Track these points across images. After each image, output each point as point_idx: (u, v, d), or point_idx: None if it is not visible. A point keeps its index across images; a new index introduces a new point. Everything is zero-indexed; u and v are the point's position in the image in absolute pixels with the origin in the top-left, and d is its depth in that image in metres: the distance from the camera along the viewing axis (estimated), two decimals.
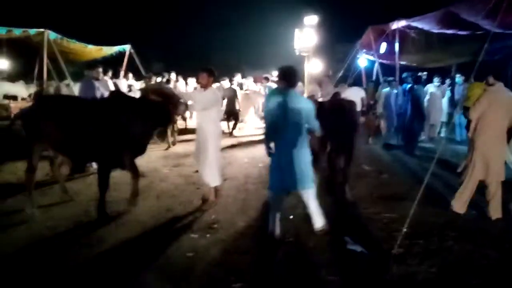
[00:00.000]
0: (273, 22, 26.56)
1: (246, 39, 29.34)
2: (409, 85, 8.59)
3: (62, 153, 4.79)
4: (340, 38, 22.87)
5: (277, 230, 4.01)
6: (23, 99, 14.13)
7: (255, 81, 15.35)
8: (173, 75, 12.69)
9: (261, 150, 7.43)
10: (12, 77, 17.04)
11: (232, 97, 11.29)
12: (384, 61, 12.23)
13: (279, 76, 4.04)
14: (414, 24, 9.41)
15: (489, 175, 4.50)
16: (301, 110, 3.80)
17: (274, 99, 3.91)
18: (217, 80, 12.56)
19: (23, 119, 4.58)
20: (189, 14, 33.28)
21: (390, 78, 9.70)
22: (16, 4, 23.76)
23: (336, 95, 6.69)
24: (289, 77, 3.92)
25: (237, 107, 11.40)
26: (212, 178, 4.93)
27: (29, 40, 11.07)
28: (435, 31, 8.92)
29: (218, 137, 5.03)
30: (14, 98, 14.56)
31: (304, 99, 4.37)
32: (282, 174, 3.91)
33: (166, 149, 8.82)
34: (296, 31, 12.01)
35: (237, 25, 31.65)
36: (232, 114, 11.35)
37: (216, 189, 5.12)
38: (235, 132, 11.30)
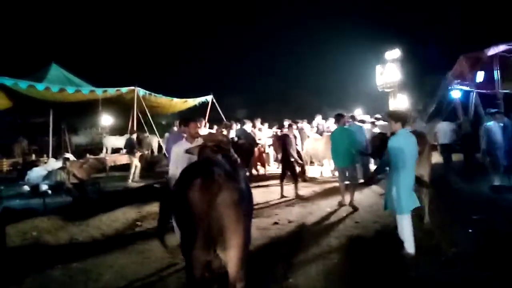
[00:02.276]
0: (353, 61, 26.09)
1: (326, 80, 29.22)
2: None
3: None
4: (428, 69, 21.41)
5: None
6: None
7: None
8: (258, 122, 12.76)
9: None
10: (117, 131, 18.84)
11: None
12: (483, 91, 10.85)
13: (395, 118, 4.78)
14: None
15: None
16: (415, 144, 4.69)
17: (400, 138, 4.64)
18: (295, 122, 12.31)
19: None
20: (269, 59, 34.37)
21: (493, 110, 8.45)
22: (107, 65, 26.79)
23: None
24: (404, 118, 4.83)
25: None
26: None
27: (122, 98, 12.03)
28: None
29: None
30: (118, 151, 15.89)
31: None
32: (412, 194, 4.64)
33: None
34: (378, 67, 11.34)
35: (317, 66, 31.78)
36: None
37: None
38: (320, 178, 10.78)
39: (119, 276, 4.39)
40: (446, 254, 4.59)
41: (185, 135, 6.20)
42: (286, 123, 12.91)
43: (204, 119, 13.36)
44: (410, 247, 4.54)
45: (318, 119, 14.26)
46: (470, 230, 5.50)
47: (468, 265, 4.23)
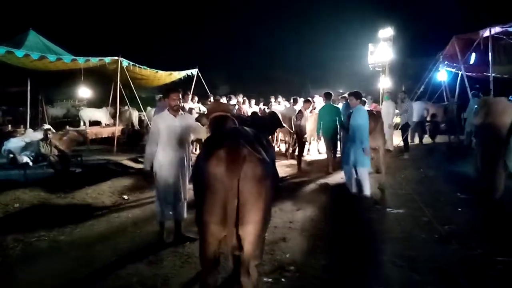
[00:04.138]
0: (342, 39, 25.87)
1: (312, 57, 28.95)
2: None
3: None
4: (414, 52, 21.52)
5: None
6: (107, 124, 14.71)
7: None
8: (240, 97, 12.51)
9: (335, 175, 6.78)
10: (95, 104, 18.16)
11: None
12: (471, 74, 10.94)
13: (355, 97, 6.27)
14: None
15: None
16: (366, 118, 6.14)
17: (356, 112, 6.16)
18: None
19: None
20: (252, 35, 33.76)
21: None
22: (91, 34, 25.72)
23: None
24: (358, 96, 6.34)
25: None
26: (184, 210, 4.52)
27: (105, 68, 11.50)
28: None
29: None
30: (98, 123, 15.38)
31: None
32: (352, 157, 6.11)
33: None
34: (370, 45, 11.23)
35: (302, 43, 31.44)
36: None
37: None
38: (307, 156, 10.72)
39: (111, 250, 4.24)
40: (440, 232, 4.63)
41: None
42: (301, 99, 12.45)
43: (190, 93, 13.00)
44: (367, 190, 6.09)
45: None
46: (459, 209, 5.59)
47: (462, 243, 4.28)
